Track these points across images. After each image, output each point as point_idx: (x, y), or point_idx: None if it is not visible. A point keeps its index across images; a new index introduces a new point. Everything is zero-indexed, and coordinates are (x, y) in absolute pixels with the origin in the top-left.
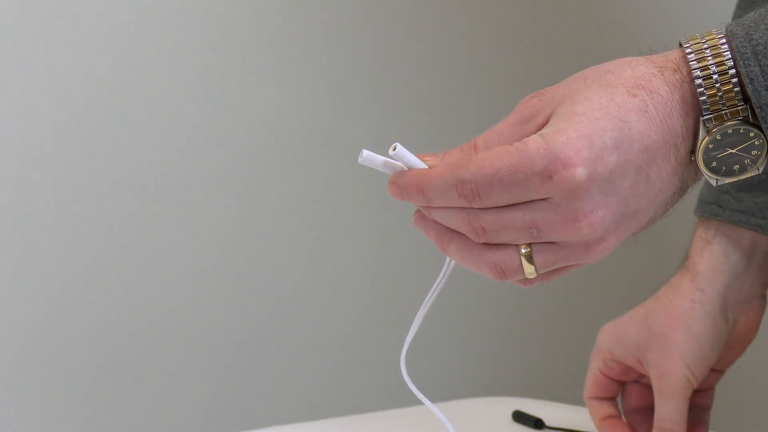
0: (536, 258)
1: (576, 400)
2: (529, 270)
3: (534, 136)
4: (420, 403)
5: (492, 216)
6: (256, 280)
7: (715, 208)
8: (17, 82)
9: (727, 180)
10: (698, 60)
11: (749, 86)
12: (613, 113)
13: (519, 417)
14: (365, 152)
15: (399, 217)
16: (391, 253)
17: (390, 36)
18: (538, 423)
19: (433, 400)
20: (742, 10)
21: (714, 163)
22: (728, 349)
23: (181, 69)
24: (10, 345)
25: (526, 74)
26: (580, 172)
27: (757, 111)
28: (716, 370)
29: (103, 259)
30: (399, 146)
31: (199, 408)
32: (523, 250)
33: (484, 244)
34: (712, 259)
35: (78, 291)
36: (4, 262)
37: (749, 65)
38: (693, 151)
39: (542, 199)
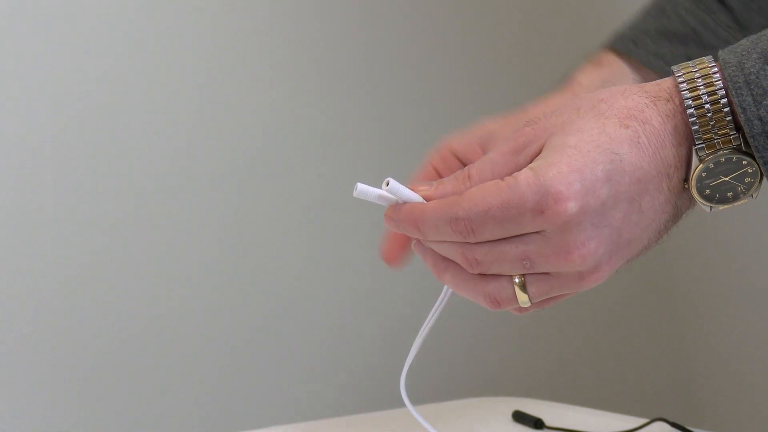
0: (530, 288)
1: (576, 400)
2: (522, 299)
3: (525, 170)
4: (420, 403)
5: (485, 249)
6: (257, 281)
7: (630, 44)
8: (17, 82)
9: (721, 207)
10: (690, 89)
11: (741, 115)
12: (605, 145)
13: (519, 417)
14: (360, 186)
15: None
16: None
17: (388, 37)
18: (538, 423)
19: (433, 399)
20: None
21: (707, 191)
22: None
23: (180, 69)
24: (9, 345)
25: (523, 76)
26: (572, 206)
27: (750, 140)
28: None
29: (103, 259)
30: (392, 181)
31: (199, 408)
32: (516, 280)
33: (479, 274)
34: (597, 79)
35: (78, 291)
36: (4, 262)
37: (741, 94)
38: (686, 179)
39: (535, 232)
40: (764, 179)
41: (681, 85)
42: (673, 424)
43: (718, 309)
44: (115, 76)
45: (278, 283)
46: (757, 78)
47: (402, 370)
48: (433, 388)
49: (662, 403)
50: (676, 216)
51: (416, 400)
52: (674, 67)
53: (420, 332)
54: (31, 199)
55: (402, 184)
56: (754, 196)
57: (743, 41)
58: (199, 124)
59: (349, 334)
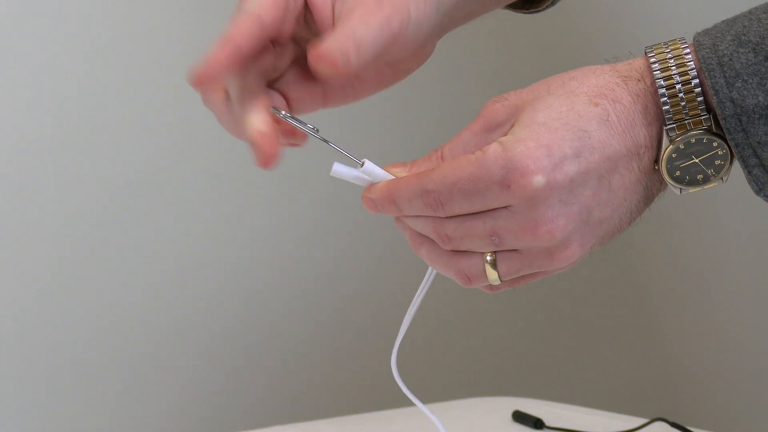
0: (500, 265)
1: (576, 400)
2: (492, 276)
3: (494, 144)
4: (425, 402)
5: (455, 224)
6: (256, 280)
7: None
8: (16, 82)
9: (691, 189)
10: (662, 70)
11: (714, 97)
12: (573, 122)
13: (519, 417)
14: (336, 166)
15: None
16: (391, 251)
17: None
18: (538, 423)
19: (433, 400)
20: None
21: (677, 173)
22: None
23: (180, 70)
24: (9, 345)
25: (524, 75)
26: (538, 180)
27: (722, 122)
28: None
29: (102, 259)
30: (367, 162)
31: (199, 408)
32: (488, 258)
33: (452, 250)
34: None
35: (77, 291)
36: (3, 262)
37: (714, 76)
38: (657, 160)
39: (503, 207)
40: (734, 162)
41: (653, 65)
42: (673, 424)
43: (719, 308)
44: (116, 76)
45: (278, 282)
46: (730, 60)
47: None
48: (433, 387)
49: (662, 403)
50: (647, 198)
51: (419, 400)
52: (646, 48)
53: (408, 311)
54: (29, 199)
55: (377, 165)
56: (724, 179)
57: (718, 24)
58: (200, 123)
59: (349, 334)
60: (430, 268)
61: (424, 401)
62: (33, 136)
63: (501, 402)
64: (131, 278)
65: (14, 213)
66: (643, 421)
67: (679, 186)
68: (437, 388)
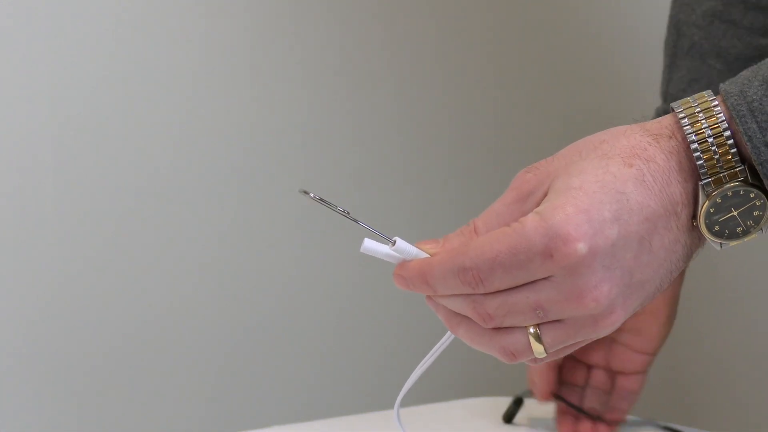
0: (545, 338)
1: None
2: (538, 350)
3: (531, 214)
4: (417, 403)
5: (497, 302)
6: (256, 280)
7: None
8: (17, 82)
9: (732, 243)
10: (692, 124)
11: (748, 143)
12: (610, 185)
13: (508, 417)
14: (367, 242)
15: (396, 216)
16: None
17: (388, 39)
18: (517, 401)
19: (433, 399)
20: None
21: (716, 227)
22: (642, 324)
23: (179, 71)
24: (9, 346)
25: (518, 76)
26: (581, 247)
27: (758, 168)
28: (640, 352)
29: (101, 260)
30: (399, 240)
31: (199, 408)
32: (531, 330)
33: (493, 328)
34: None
35: (76, 291)
36: (4, 263)
37: (746, 122)
38: (695, 216)
39: (545, 279)
40: None
41: (682, 121)
42: (665, 427)
43: (710, 309)
44: (115, 77)
45: (278, 283)
46: (761, 105)
47: (397, 397)
48: (433, 387)
49: (653, 406)
50: (686, 256)
51: (413, 401)
52: (674, 104)
53: (418, 367)
54: (31, 199)
55: (409, 243)
56: (764, 230)
57: (743, 72)
58: (198, 125)
59: (349, 334)
60: (448, 332)
61: (425, 401)
62: (36, 137)
63: (501, 402)
64: (131, 279)
65: (16, 214)
66: (635, 422)
67: (719, 241)
68: (437, 388)
